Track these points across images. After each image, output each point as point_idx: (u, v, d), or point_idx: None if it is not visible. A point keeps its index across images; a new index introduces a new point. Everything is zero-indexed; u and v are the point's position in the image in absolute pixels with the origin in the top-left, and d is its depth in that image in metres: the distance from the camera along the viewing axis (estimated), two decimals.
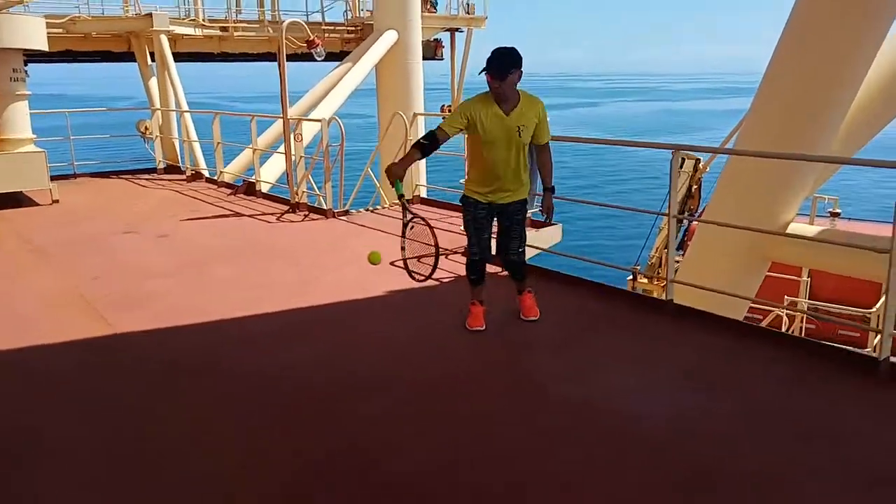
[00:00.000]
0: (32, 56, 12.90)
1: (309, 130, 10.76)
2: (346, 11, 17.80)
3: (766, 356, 4.30)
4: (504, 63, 4.26)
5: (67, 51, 14.30)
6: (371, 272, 6.32)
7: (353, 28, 17.22)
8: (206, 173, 12.69)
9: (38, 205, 10.08)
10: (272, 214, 9.21)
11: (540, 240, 7.53)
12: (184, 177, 12.53)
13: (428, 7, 18.06)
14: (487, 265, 4.92)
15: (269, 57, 16.75)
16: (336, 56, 16.34)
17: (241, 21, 16.15)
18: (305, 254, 7.22)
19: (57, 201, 10.13)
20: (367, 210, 9.36)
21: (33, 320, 5.23)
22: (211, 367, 4.33)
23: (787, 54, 7.78)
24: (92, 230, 8.39)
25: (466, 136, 4.67)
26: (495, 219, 4.80)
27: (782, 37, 7.81)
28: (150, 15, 13.40)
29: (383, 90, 15.70)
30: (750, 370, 4.13)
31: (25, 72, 10.13)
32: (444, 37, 18.70)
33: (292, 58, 13.31)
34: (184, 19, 14.96)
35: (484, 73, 4.30)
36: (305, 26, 8.99)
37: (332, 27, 17.11)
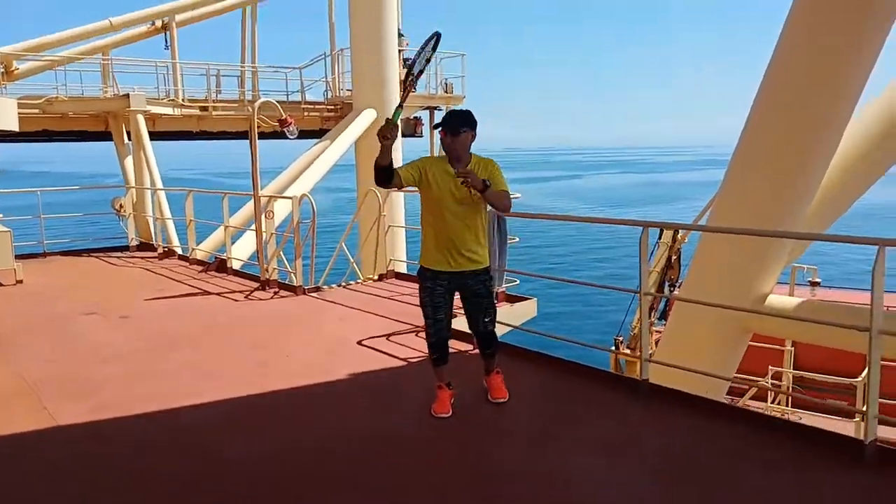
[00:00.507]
0: (6, 136, 12.89)
1: (284, 207, 10.67)
2: (325, 91, 18.06)
3: (743, 439, 4.05)
4: (457, 121, 4.34)
5: (44, 130, 14.29)
6: (335, 353, 6.10)
7: (333, 107, 17.43)
8: (180, 250, 12.49)
9: (1, 285, 9.78)
10: (241, 292, 8.97)
11: (513, 315, 7.33)
12: (156, 254, 12.31)
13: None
14: (452, 342, 4.69)
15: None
16: (316, 133, 16.50)
17: (221, 101, 16.28)
18: (268, 334, 6.95)
19: (21, 281, 9.84)
20: (340, 286, 9.13)
21: None
22: (146, 465, 4.01)
23: (759, 124, 7.79)
24: (52, 311, 8.09)
25: (421, 201, 4.51)
26: (457, 294, 4.57)
27: (753, 107, 7.82)
28: (127, 96, 13.47)
29: (362, 166, 15.80)
30: (725, 458, 3.87)
31: None
32: (424, 115, 18.97)
33: (270, 136, 13.34)
34: (163, 99, 15.06)
35: (439, 129, 4.37)
36: (278, 106, 8.98)
37: (311, 106, 17.30)
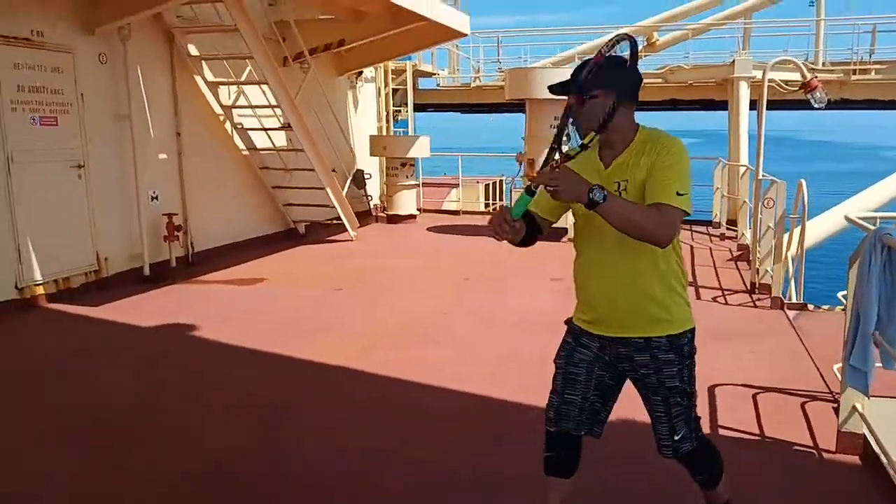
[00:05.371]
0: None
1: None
2: None
3: None
4: (583, 78, 2.27)
5: (672, 99, 14.62)
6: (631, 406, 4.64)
7: None
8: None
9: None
10: (729, 290, 7.48)
11: None
12: (718, 233, 11.34)
13: None
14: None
15: None
16: None
17: (874, 63, 13.40)
18: None
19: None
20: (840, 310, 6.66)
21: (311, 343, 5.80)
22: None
23: None
24: (491, 274, 8.53)
25: None
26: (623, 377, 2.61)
27: None
28: (733, 62, 12.54)
29: None
30: None
31: None
32: None
33: None
34: (788, 63, 13.35)
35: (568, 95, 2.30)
36: (801, 65, 6.95)
37: None
